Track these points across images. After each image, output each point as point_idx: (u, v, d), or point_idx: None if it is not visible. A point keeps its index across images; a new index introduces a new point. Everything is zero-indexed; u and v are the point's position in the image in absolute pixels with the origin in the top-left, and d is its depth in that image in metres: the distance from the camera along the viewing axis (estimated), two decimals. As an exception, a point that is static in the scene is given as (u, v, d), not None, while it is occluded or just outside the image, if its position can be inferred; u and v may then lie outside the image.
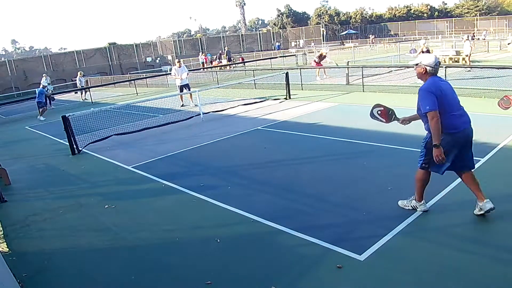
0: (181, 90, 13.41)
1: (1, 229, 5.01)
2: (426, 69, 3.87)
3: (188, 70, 14.78)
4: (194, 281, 3.43)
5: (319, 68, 17.51)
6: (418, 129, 7.39)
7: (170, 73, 25.19)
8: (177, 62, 14.35)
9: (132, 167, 7.03)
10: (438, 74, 4.03)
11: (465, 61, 14.89)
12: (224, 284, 3.35)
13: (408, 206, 4.26)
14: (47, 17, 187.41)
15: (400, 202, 4.36)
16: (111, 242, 4.35)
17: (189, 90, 13.37)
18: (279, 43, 55.01)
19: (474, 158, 4.10)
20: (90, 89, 21.36)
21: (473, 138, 4.04)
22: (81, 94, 21.39)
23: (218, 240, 4.05)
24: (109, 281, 3.60)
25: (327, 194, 4.94)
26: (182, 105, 13.45)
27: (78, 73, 22.30)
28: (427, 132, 3.99)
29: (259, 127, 9.18)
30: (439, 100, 3.72)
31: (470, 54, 14.96)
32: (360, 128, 7.99)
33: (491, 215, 3.96)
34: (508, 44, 23.45)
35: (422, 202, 4.20)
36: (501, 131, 6.67)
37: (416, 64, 3.95)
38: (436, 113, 3.69)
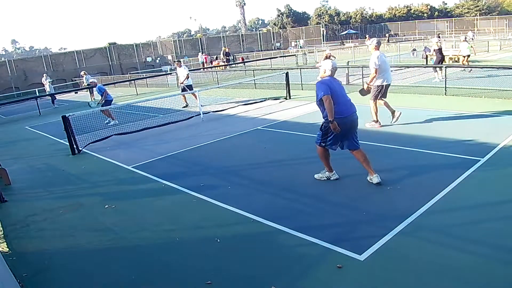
0: (184, 90, 13.25)
1: (1, 229, 5.02)
2: (325, 70, 5.08)
3: (189, 70, 14.67)
4: (194, 281, 3.43)
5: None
6: (418, 129, 7.42)
7: (170, 73, 25.30)
8: (177, 62, 14.39)
9: (132, 167, 7.03)
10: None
11: (464, 62, 14.89)
12: (224, 284, 3.35)
13: (323, 177, 5.33)
14: (47, 17, 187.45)
15: (316, 176, 5.39)
16: (111, 242, 4.35)
17: (191, 89, 13.33)
18: (280, 43, 55.06)
19: (360, 141, 5.21)
20: (88, 89, 21.29)
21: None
22: (91, 94, 20.66)
23: (218, 240, 4.06)
24: (109, 281, 3.61)
25: (327, 194, 4.94)
26: (185, 106, 13.30)
27: (82, 72, 22.06)
28: (324, 118, 5.03)
29: (259, 127, 9.18)
30: (331, 91, 4.82)
31: (467, 56, 14.94)
32: (360, 128, 7.96)
33: (491, 215, 3.97)
34: None
35: (333, 172, 5.30)
36: (501, 131, 6.67)
37: (320, 67, 5.19)
38: (328, 97, 4.76)
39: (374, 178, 4.93)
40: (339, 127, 4.78)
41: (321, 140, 5.09)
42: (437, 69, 12.91)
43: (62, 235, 4.68)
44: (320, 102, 4.92)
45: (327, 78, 5.03)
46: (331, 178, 5.29)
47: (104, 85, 25.22)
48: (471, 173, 5.03)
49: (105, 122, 11.81)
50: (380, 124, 7.85)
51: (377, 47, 7.50)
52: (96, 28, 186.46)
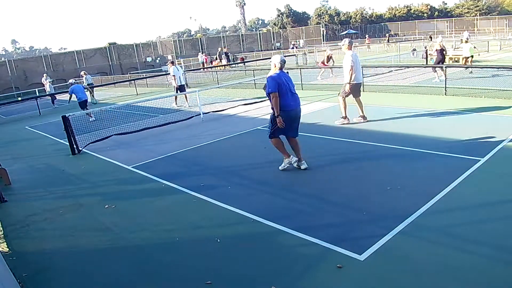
0: (177, 91, 13.52)
1: (1, 229, 5.02)
2: (275, 65, 5.58)
3: (184, 71, 14.80)
4: (194, 281, 3.43)
5: (325, 67, 17.53)
6: (418, 129, 7.42)
7: (170, 73, 25.27)
8: (171, 62, 14.76)
9: (132, 167, 7.03)
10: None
11: (465, 63, 14.91)
12: (224, 284, 3.35)
13: (285, 165, 5.82)
14: (47, 17, 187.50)
15: (280, 167, 5.86)
16: (111, 242, 4.35)
17: (183, 91, 13.60)
18: (280, 43, 55.05)
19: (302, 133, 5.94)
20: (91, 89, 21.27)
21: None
22: (91, 93, 20.83)
23: (218, 240, 4.06)
24: (109, 281, 3.61)
25: (327, 194, 4.94)
26: (177, 105, 13.53)
27: (82, 72, 22.03)
28: (272, 110, 5.60)
29: (259, 127, 9.17)
30: (279, 86, 5.38)
31: (471, 57, 14.93)
32: (360, 128, 8.00)
33: (491, 215, 3.97)
34: None
35: (290, 157, 5.80)
36: (501, 131, 6.66)
37: (271, 62, 5.69)
38: (275, 94, 5.37)
39: (302, 164, 5.76)
40: (283, 120, 5.40)
41: (270, 132, 5.72)
42: (437, 69, 12.91)
43: (62, 235, 4.68)
44: (269, 96, 5.51)
45: (277, 73, 5.53)
46: (292, 162, 5.78)
47: (104, 85, 25.36)
48: (471, 173, 5.03)
49: (90, 120, 12.57)
50: (348, 120, 8.33)
51: (350, 47, 7.99)
52: (96, 28, 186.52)
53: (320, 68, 18.01)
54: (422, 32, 48.73)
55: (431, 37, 34.14)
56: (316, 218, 4.33)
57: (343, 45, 8.09)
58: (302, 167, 5.77)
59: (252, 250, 3.85)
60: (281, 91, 5.40)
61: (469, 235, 3.65)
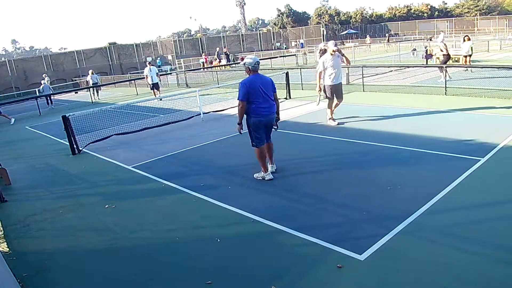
0: (152, 89, 16.64)
1: (1, 229, 5.02)
2: (249, 68, 5.22)
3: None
4: (194, 281, 3.43)
5: None
6: (418, 129, 7.42)
7: (170, 73, 25.52)
8: (149, 63, 17.25)
9: (132, 167, 7.04)
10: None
11: (464, 62, 14.90)
12: (224, 284, 3.35)
13: (259, 177, 5.57)
14: (47, 17, 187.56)
15: (255, 175, 5.64)
16: (111, 242, 4.35)
17: (157, 89, 16.78)
18: (280, 43, 55.05)
19: None
20: (90, 88, 21.29)
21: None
22: (94, 94, 20.75)
23: (218, 240, 4.06)
24: (109, 281, 3.61)
25: (327, 194, 4.94)
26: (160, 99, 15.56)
27: (90, 71, 22.05)
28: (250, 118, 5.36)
29: (259, 127, 9.16)
30: (249, 94, 5.13)
31: (469, 56, 14.92)
32: (360, 128, 8.00)
33: (491, 215, 3.97)
34: None
35: (267, 172, 5.55)
36: (501, 131, 6.66)
37: (244, 64, 5.35)
38: (243, 103, 5.21)
39: (272, 167, 5.71)
40: (255, 126, 5.31)
41: (251, 141, 5.51)
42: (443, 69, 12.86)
43: (62, 235, 4.68)
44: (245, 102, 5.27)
45: (250, 77, 5.20)
46: (266, 178, 5.51)
47: (104, 85, 25.36)
48: (471, 173, 5.03)
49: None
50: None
51: (324, 51, 8.49)
52: (96, 28, 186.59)
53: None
54: (422, 32, 48.73)
55: (431, 39, 34.19)
56: (316, 218, 4.33)
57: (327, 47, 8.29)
58: (271, 169, 5.71)
59: (252, 250, 3.85)
60: (252, 97, 5.17)
61: (469, 235, 3.65)
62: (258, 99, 5.18)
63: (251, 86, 5.14)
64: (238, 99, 5.25)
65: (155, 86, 16.64)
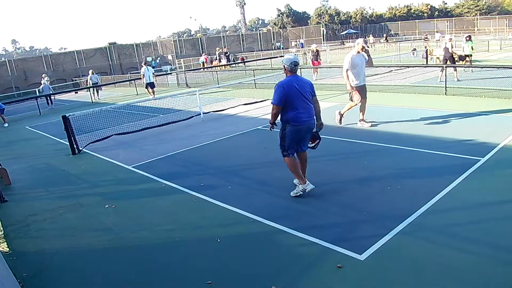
0: (147, 87, 17.27)
1: (2, 229, 5.02)
2: (285, 67, 4.69)
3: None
4: (194, 281, 3.43)
5: (317, 67, 17.50)
6: (418, 129, 7.42)
7: (170, 73, 25.59)
8: (144, 64, 17.77)
9: (132, 167, 7.04)
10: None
11: (465, 62, 14.91)
12: (224, 284, 3.35)
13: (299, 192, 4.84)
14: (47, 17, 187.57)
15: (292, 193, 4.90)
16: (111, 242, 4.35)
17: (152, 88, 17.27)
18: (280, 43, 55.03)
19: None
20: (90, 89, 21.28)
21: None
22: (94, 94, 20.87)
23: (218, 240, 4.06)
24: (109, 281, 3.61)
25: (327, 194, 4.93)
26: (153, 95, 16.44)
27: (90, 71, 22.08)
28: (280, 122, 4.78)
29: (259, 127, 9.18)
30: (286, 98, 4.53)
31: (468, 55, 14.91)
32: (360, 128, 7.99)
33: (491, 215, 3.97)
34: None
35: (306, 183, 4.81)
36: (501, 131, 6.66)
37: (282, 63, 4.78)
38: (277, 108, 4.62)
39: (308, 186, 4.83)
40: (292, 134, 4.67)
41: (282, 150, 4.84)
42: (454, 69, 12.81)
43: (62, 235, 4.68)
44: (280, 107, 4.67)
45: (288, 79, 4.63)
46: (307, 190, 4.80)
47: (104, 85, 25.38)
48: (471, 173, 5.03)
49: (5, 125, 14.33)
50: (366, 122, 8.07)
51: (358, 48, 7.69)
52: (96, 28, 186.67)
53: (313, 67, 17.92)
54: (422, 32, 48.69)
55: (426, 38, 34.21)
56: (316, 218, 4.33)
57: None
58: (309, 187, 4.84)
59: (252, 250, 3.85)
60: (290, 101, 4.55)
61: (469, 235, 3.65)
62: (296, 104, 4.56)
63: (288, 89, 4.53)
64: (272, 102, 4.65)
65: (150, 85, 17.26)
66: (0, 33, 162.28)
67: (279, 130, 4.84)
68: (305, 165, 4.97)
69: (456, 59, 13.71)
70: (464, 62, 15.04)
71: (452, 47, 13.70)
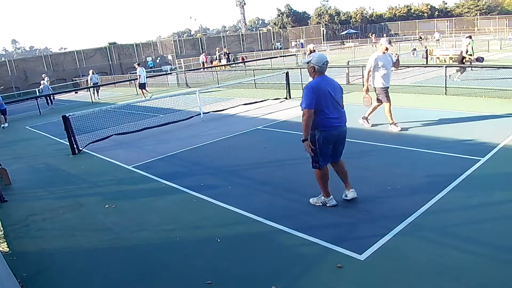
0: (141, 87, 17.99)
1: (2, 229, 5.02)
2: (314, 67, 4.17)
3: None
4: (194, 281, 3.43)
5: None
6: (418, 129, 7.42)
7: (170, 73, 25.63)
8: (137, 65, 18.33)
9: (132, 167, 7.04)
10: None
11: (465, 61, 14.91)
12: (224, 284, 3.35)
13: (318, 203, 4.56)
14: (47, 17, 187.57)
15: (311, 200, 4.63)
16: (111, 242, 4.35)
17: (145, 88, 18.05)
18: (280, 43, 55.03)
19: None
20: (90, 88, 21.28)
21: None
22: (94, 93, 20.88)
23: (218, 240, 4.06)
24: (109, 281, 3.61)
25: (327, 194, 4.93)
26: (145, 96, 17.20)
27: (90, 71, 22.10)
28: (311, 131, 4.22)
29: (259, 127, 9.18)
30: (317, 100, 4.05)
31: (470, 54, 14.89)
32: (360, 127, 7.99)
33: (491, 215, 3.97)
34: None
35: (330, 197, 4.51)
36: (501, 131, 6.66)
37: (307, 63, 4.23)
38: (309, 112, 4.05)
39: (350, 193, 4.54)
40: (323, 142, 4.21)
41: (312, 160, 4.37)
42: (459, 68, 12.72)
43: (62, 235, 4.68)
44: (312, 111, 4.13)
45: (317, 80, 4.19)
46: (328, 205, 4.51)
47: (104, 85, 25.40)
48: (471, 173, 5.03)
49: (2, 126, 14.24)
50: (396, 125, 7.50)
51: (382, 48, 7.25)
52: (96, 28, 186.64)
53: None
54: (422, 32, 48.71)
55: (420, 37, 34.21)
56: (316, 218, 4.33)
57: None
58: (349, 195, 4.53)
59: (252, 250, 3.85)
60: (320, 106, 4.09)
61: (469, 235, 3.65)
62: (327, 108, 4.11)
63: (319, 90, 4.09)
64: (302, 107, 4.10)
65: (143, 86, 18.00)
66: (0, 33, 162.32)
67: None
68: (345, 173, 4.57)
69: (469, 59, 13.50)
70: (464, 62, 15.03)
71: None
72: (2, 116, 14.67)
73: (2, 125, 14.49)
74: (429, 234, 3.75)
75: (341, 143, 4.45)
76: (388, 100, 7.35)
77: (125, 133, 9.66)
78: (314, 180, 5.10)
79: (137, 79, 18.47)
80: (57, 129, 11.21)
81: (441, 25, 51.85)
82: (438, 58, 19.34)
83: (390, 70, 7.32)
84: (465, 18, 53.10)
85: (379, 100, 7.55)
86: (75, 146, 8.60)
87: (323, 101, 4.09)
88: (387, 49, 7.16)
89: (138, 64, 18.40)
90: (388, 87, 7.38)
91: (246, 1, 78.97)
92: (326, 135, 4.20)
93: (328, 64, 4.34)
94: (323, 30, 52.72)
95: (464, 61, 13.38)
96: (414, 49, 25.07)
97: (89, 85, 21.59)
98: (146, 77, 18.86)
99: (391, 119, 7.46)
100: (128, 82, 24.99)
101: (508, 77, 10.59)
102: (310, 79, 4.32)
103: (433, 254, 3.39)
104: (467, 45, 13.38)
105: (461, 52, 13.58)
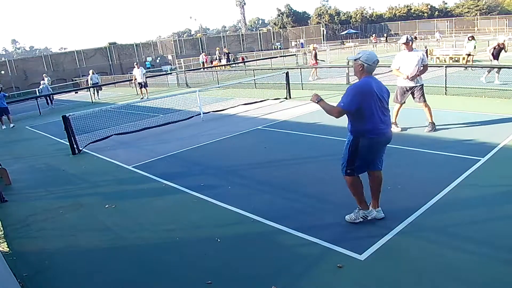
0: (140, 87, 18.45)
1: (2, 229, 5.02)
2: (362, 65, 3.76)
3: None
4: (194, 281, 3.43)
5: (316, 67, 17.50)
6: (418, 129, 7.41)
7: (170, 73, 25.67)
8: (136, 65, 18.75)
9: (132, 167, 7.04)
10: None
11: (468, 60, 14.96)
12: (224, 284, 3.35)
13: (358, 219, 4.03)
14: (47, 17, 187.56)
15: (347, 217, 4.10)
16: (111, 242, 4.35)
17: (145, 87, 18.40)
18: (280, 42, 55.04)
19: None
20: (90, 88, 21.26)
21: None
22: (94, 94, 20.93)
23: (218, 240, 4.06)
24: (109, 281, 3.61)
25: (327, 194, 4.93)
26: (142, 98, 17.75)
27: (90, 71, 22.10)
28: (349, 133, 3.89)
29: (259, 127, 9.18)
30: (362, 102, 3.65)
31: (470, 54, 14.93)
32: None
33: (491, 215, 3.97)
34: None
35: (369, 209, 4.04)
36: (501, 131, 6.66)
37: (355, 60, 3.81)
38: (344, 112, 3.73)
39: (379, 213, 4.08)
40: (368, 148, 3.80)
41: (347, 166, 3.90)
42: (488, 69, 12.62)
43: (62, 235, 4.68)
44: (348, 113, 3.78)
45: (365, 81, 3.74)
46: (369, 217, 4.01)
47: (104, 85, 25.39)
48: (471, 173, 5.03)
49: (11, 126, 14.03)
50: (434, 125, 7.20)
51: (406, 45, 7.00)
52: (96, 28, 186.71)
53: (313, 67, 17.92)
54: (422, 32, 48.71)
55: (415, 37, 34.20)
56: (316, 218, 4.33)
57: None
58: (378, 216, 4.05)
59: (252, 250, 3.85)
60: (368, 110, 3.66)
61: (469, 235, 3.65)
62: (375, 112, 3.69)
63: (367, 94, 3.66)
64: (340, 106, 3.71)
65: (141, 85, 18.34)
66: (0, 33, 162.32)
67: (347, 143, 3.93)
68: (378, 188, 4.04)
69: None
70: (465, 62, 15.04)
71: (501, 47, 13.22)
72: (5, 116, 14.51)
73: (10, 125, 14.29)
74: (429, 234, 3.75)
75: (384, 148, 4.01)
76: (399, 101, 7.25)
77: (125, 133, 9.66)
78: (314, 179, 5.10)
79: (136, 79, 18.60)
80: (57, 129, 11.22)
81: (441, 25, 51.86)
82: (438, 58, 19.34)
83: (414, 68, 6.83)
84: (465, 18, 53.11)
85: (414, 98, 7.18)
86: (75, 146, 8.60)
87: (373, 105, 3.66)
88: (406, 46, 6.88)
89: (137, 64, 18.87)
90: (405, 87, 7.11)
91: (246, 1, 79.03)
92: (374, 142, 3.79)
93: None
94: (323, 30, 52.72)
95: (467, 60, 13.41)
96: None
97: (89, 85, 21.57)
98: (146, 77, 18.92)
99: (394, 118, 7.31)
100: (128, 82, 24.98)
101: (508, 75, 10.60)
102: (356, 80, 3.88)
103: (433, 254, 3.39)
104: (472, 45, 13.37)
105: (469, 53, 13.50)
